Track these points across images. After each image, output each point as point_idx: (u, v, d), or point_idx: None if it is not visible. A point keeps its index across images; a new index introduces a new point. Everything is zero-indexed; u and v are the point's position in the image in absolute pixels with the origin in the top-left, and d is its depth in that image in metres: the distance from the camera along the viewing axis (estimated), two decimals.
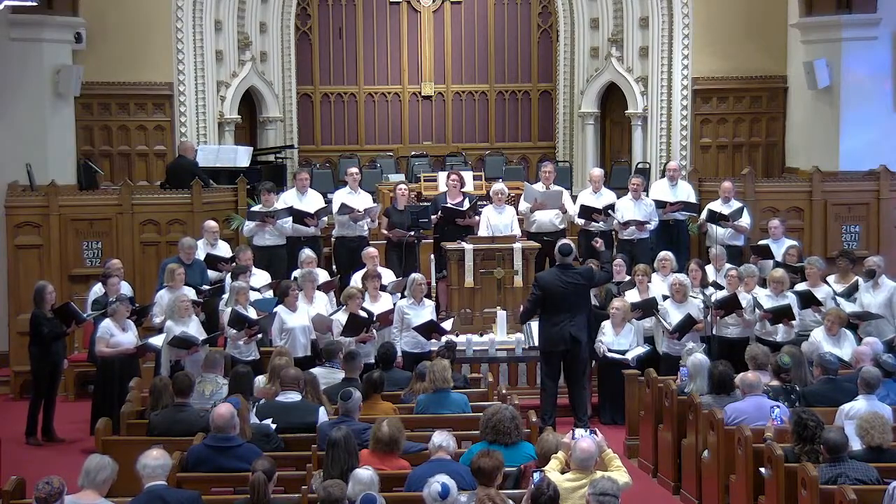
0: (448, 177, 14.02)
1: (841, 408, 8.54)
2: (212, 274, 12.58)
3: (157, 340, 10.93)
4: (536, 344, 11.32)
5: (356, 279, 12.08)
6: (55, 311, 11.14)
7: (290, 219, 13.24)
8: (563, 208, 13.66)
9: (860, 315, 11.47)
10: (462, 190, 13.78)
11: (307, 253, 12.27)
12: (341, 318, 11.09)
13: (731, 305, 11.26)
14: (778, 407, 8.57)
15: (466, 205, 13.43)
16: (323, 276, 12.35)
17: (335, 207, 13.50)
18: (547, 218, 13.63)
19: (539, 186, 13.83)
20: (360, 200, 13.62)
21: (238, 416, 7.74)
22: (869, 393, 8.52)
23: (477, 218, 13.36)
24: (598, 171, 14.26)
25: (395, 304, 11.62)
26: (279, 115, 17.25)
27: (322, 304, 11.61)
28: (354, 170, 13.89)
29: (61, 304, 11.27)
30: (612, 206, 13.57)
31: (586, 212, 13.53)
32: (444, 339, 11.15)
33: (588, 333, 10.99)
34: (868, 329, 11.31)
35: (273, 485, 6.76)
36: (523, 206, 13.66)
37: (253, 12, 16.77)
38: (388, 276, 12.34)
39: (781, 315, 11.20)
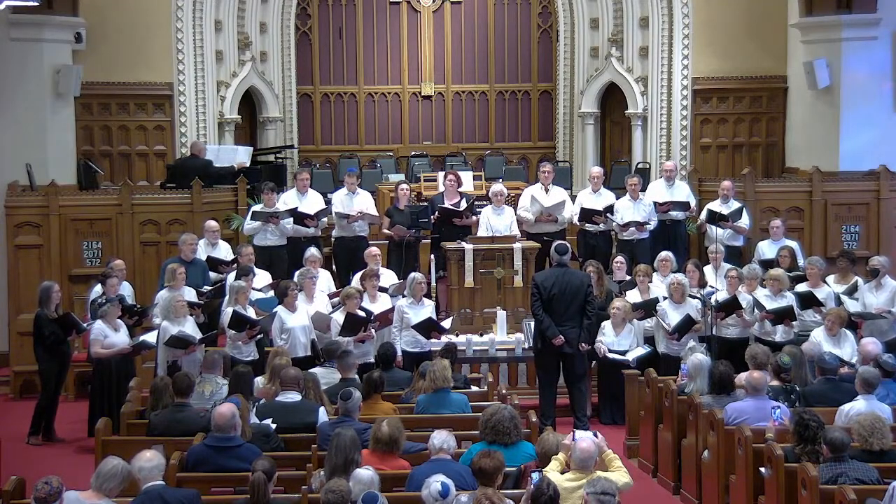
0: (445, 177, 14.02)
1: (841, 408, 8.55)
2: (212, 275, 12.58)
3: (151, 337, 10.95)
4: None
5: (356, 279, 12.08)
6: (56, 321, 11.13)
7: (292, 219, 13.27)
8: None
9: (865, 315, 11.46)
10: (459, 190, 13.77)
11: (312, 251, 12.28)
12: (339, 317, 11.09)
13: (731, 307, 11.26)
14: (779, 407, 8.56)
15: (464, 205, 13.42)
16: (323, 276, 12.34)
17: (333, 209, 13.54)
18: None
19: (538, 187, 13.82)
20: (358, 201, 13.62)
21: (238, 416, 7.75)
22: (868, 393, 8.53)
23: (475, 218, 13.36)
24: (597, 170, 14.25)
25: (395, 304, 11.61)
26: (279, 115, 17.26)
27: (322, 303, 11.61)
28: (351, 180, 13.77)
29: (62, 315, 11.25)
30: (611, 208, 13.57)
31: (586, 214, 13.54)
32: (443, 339, 11.14)
33: (586, 334, 10.94)
34: (870, 329, 11.32)
35: (273, 485, 6.76)
36: (523, 213, 13.61)
37: (253, 12, 16.78)
38: (388, 277, 12.34)
39: (783, 316, 11.20)
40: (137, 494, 6.70)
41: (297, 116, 17.75)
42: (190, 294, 11.51)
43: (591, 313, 10.87)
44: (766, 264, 12.38)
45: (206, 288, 12.06)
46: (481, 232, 13.13)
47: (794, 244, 13.02)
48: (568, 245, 11.20)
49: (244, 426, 7.91)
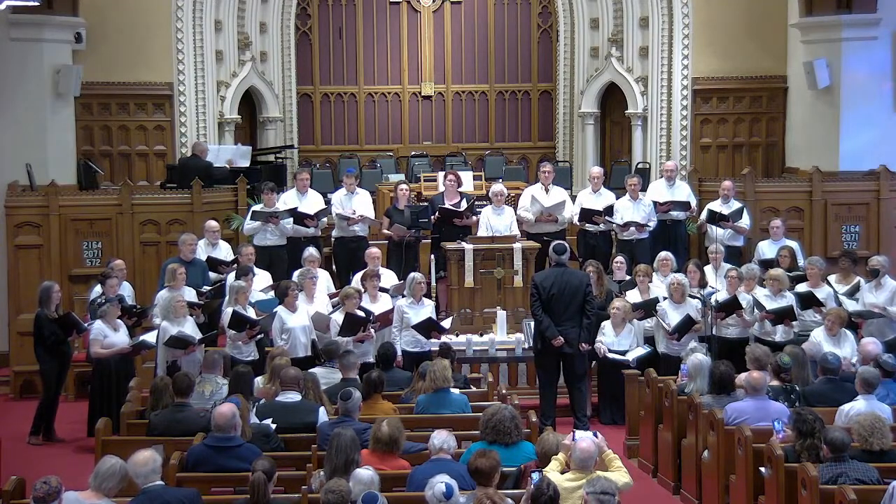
0: (445, 177, 14.00)
1: (840, 408, 8.55)
2: (212, 275, 12.57)
3: (151, 337, 10.95)
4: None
5: (356, 279, 12.08)
6: (56, 321, 11.13)
7: (292, 219, 13.27)
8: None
9: (863, 314, 11.46)
10: (459, 190, 13.76)
11: (310, 251, 12.28)
12: (338, 317, 11.09)
13: (731, 308, 11.25)
14: (780, 420, 8.49)
15: (464, 205, 13.41)
16: (323, 276, 12.34)
17: (333, 210, 13.55)
18: None
19: (538, 187, 13.82)
20: (357, 201, 13.62)
21: (238, 416, 7.74)
22: (868, 393, 8.53)
23: (475, 218, 13.35)
24: (597, 170, 14.25)
25: (394, 304, 11.61)
26: (279, 115, 17.26)
27: (323, 303, 11.60)
28: (350, 180, 13.77)
29: (63, 314, 11.25)
30: (611, 208, 13.56)
31: (586, 214, 13.54)
32: (439, 341, 11.12)
33: (586, 334, 10.93)
34: (870, 329, 11.32)
35: (273, 485, 6.75)
36: (523, 213, 13.60)
37: (253, 12, 16.78)
38: (389, 277, 12.32)
39: (783, 316, 11.20)
40: (136, 495, 6.70)
41: (297, 116, 17.75)
42: (190, 294, 11.51)
43: (590, 313, 10.86)
44: (767, 264, 12.37)
45: (206, 288, 12.06)
46: (481, 232, 13.13)
47: (794, 244, 13.01)
48: (566, 245, 11.20)
49: (244, 426, 7.91)
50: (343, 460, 6.93)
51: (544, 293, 10.74)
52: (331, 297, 11.98)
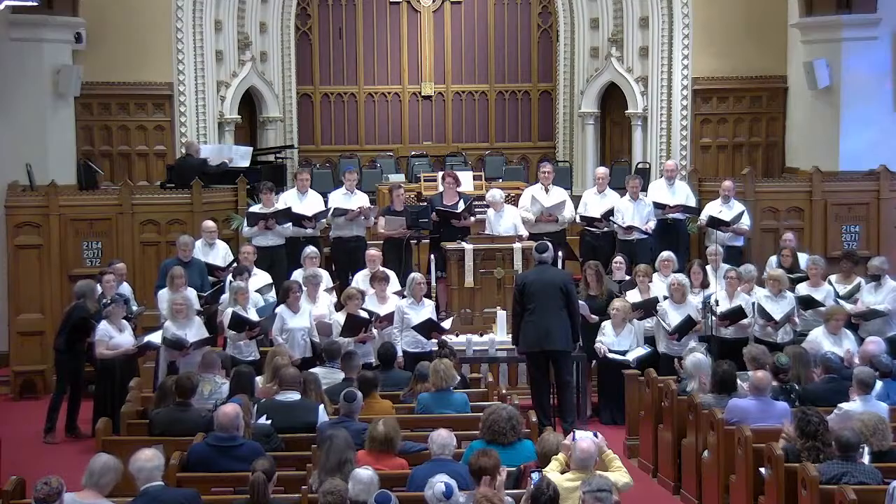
0: (443, 178, 13.98)
1: (839, 406, 8.54)
2: (210, 278, 12.56)
3: (156, 338, 10.95)
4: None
5: (359, 280, 12.07)
6: (73, 327, 11.10)
7: (290, 222, 13.24)
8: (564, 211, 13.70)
9: (864, 314, 11.45)
10: (458, 190, 13.74)
11: (311, 249, 12.26)
12: (340, 318, 11.08)
13: (736, 316, 11.23)
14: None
15: (462, 206, 13.39)
16: (325, 276, 12.32)
17: (330, 205, 13.52)
18: None
19: (538, 187, 13.82)
20: (356, 201, 13.60)
21: (241, 417, 7.75)
22: (866, 394, 8.52)
23: (472, 219, 13.34)
24: (602, 170, 14.20)
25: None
26: (279, 115, 17.26)
27: (325, 304, 11.58)
28: (352, 177, 13.79)
29: (81, 319, 11.17)
30: (611, 212, 13.54)
31: (587, 222, 13.57)
32: (437, 340, 11.11)
33: (573, 334, 10.85)
34: (868, 327, 11.32)
35: (273, 485, 6.75)
36: (524, 213, 13.59)
37: (253, 12, 16.79)
38: (391, 278, 12.28)
39: (784, 321, 11.21)
40: (136, 495, 6.70)
41: (297, 116, 17.76)
42: (192, 295, 11.49)
43: (574, 313, 10.78)
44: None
45: (205, 292, 12.01)
46: (487, 231, 13.13)
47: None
48: (548, 244, 11.11)
49: (246, 427, 7.91)
50: (336, 461, 6.92)
51: (526, 290, 10.68)
52: (328, 291, 11.95)
